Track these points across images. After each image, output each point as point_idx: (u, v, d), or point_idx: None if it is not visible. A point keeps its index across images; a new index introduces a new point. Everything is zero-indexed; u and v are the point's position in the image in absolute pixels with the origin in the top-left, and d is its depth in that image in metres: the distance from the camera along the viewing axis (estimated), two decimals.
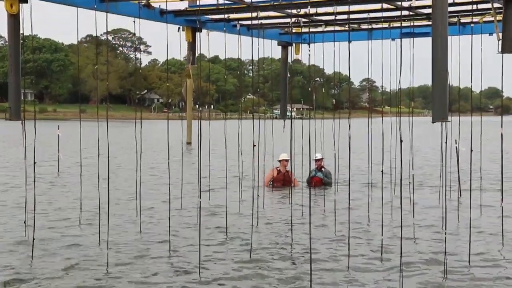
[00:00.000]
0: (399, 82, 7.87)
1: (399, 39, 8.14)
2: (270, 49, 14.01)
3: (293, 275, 9.12)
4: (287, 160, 17.83)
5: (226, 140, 11.44)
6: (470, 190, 10.00)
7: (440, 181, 13.51)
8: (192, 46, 11.36)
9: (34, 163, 9.02)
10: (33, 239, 10.06)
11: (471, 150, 8.65)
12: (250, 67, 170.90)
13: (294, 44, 16.14)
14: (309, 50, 7.82)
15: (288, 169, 17.99)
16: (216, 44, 10.67)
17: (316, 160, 17.82)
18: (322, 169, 17.99)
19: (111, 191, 10.57)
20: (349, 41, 8.45)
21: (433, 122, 7.87)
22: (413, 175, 9.08)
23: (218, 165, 21.30)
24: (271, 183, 18.16)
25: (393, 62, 9.22)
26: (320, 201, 15.22)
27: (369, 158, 13.35)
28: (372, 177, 15.23)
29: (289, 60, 16.55)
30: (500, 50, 10.01)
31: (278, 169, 18.14)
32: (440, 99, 7.75)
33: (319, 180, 17.74)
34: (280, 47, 16.61)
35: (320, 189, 16.82)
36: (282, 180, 18.03)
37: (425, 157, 30.87)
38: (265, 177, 17.65)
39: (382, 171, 10.50)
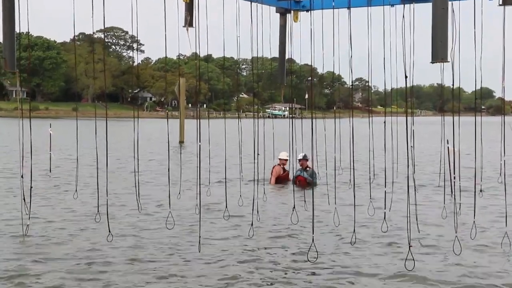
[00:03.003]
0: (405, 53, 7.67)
1: (401, 6, 7.99)
2: (269, 17, 13.66)
3: (294, 254, 9.58)
4: (286, 160, 18.29)
5: (225, 137, 11.62)
6: (475, 185, 10.14)
7: (439, 180, 13.98)
8: (189, 7, 11.18)
9: (31, 165, 9.14)
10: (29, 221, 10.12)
11: (475, 151, 8.77)
12: (244, 66, 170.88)
13: (292, 12, 15.87)
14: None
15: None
16: (212, 15, 10.55)
17: (299, 160, 17.99)
18: (307, 168, 18.03)
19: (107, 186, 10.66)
20: (349, 7, 8.39)
21: (432, 63, 7.72)
22: (413, 174, 9.14)
23: (216, 163, 21.36)
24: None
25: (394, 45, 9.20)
26: (321, 196, 15.43)
27: (369, 155, 13.53)
28: (374, 174, 15.51)
29: (288, 30, 16.17)
30: (501, 2, 9.95)
31: (282, 167, 18.56)
32: (440, 38, 7.58)
33: (304, 180, 17.74)
34: (278, 14, 16.35)
35: (308, 189, 16.90)
36: (286, 178, 18.67)
37: (422, 156, 31.00)
38: (272, 174, 18.36)
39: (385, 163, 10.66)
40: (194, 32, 8.66)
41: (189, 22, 10.71)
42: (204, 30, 8.60)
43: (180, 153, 29.77)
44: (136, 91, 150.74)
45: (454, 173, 10.80)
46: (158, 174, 21.56)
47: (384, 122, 10.11)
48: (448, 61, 7.62)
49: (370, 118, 10.62)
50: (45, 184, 18.65)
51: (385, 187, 9.23)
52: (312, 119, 8.33)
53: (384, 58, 9.08)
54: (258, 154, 10.37)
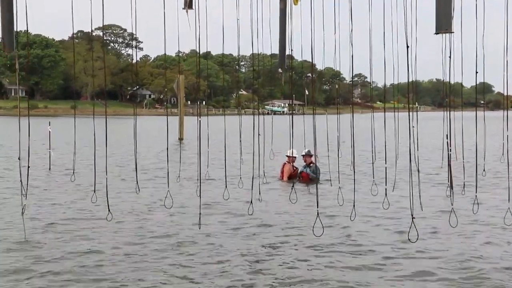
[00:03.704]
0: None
1: None
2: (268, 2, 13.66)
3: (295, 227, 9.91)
4: (295, 157, 18.33)
5: (225, 133, 11.77)
6: (476, 162, 10.27)
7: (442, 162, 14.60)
8: None
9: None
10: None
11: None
12: (243, 63, 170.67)
13: None
14: None
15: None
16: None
17: (302, 156, 18.01)
18: (311, 164, 18.04)
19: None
20: None
21: (436, 33, 7.64)
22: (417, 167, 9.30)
23: (215, 160, 21.50)
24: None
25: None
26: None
27: (371, 134, 13.77)
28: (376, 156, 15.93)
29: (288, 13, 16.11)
30: None
31: (291, 164, 18.54)
32: (444, 8, 7.52)
33: (306, 176, 17.79)
34: None
35: (311, 185, 17.08)
36: (295, 176, 18.71)
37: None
38: (284, 172, 18.43)
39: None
40: (194, 22, 8.62)
41: (188, 4, 10.66)
42: (203, 26, 8.57)
43: (180, 146, 29.75)
44: (135, 88, 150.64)
45: (450, 145, 10.90)
46: (157, 169, 21.60)
47: (384, 99, 10.16)
48: (452, 32, 7.58)
49: (372, 115, 10.71)
50: (44, 182, 18.66)
51: (386, 163, 9.34)
52: (313, 114, 8.46)
53: (384, 33, 8.98)
54: (259, 134, 10.51)
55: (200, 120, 8.39)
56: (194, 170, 13.76)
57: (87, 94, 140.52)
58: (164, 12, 8.67)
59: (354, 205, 8.64)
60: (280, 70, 11.98)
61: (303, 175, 17.91)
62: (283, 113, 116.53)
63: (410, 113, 7.58)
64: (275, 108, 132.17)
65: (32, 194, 13.64)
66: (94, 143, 9.10)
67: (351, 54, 8.59)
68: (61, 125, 56.06)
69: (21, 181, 9.49)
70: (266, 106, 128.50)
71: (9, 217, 11.98)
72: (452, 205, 8.33)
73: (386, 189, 9.40)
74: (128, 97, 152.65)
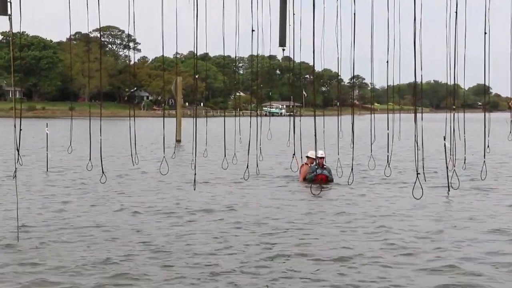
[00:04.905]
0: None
1: None
2: None
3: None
4: (314, 159, 18.05)
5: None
6: (484, 135, 10.46)
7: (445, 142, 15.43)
8: None
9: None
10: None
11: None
12: (241, 64, 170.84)
13: None
14: None
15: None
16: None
17: (319, 158, 17.79)
18: (325, 166, 17.89)
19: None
20: None
21: None
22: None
23: (212, 162, 21.52)
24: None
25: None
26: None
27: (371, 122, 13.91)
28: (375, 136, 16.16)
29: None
30: None
31: (310, 166, 18.33)
32: None
33: (325, 178, 17.55)
34: None
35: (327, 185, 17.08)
36: None
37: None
38: (301, 173, 18.19)
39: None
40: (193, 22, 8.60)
41: None
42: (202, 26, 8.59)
43: (175, 147, 29.72)
44: (132, 90, 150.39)
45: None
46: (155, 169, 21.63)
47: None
48: None
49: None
50: (41, 180, 18.65)
51: (387, 129, 9.37)
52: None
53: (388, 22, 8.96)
54: (256, 111, 10.63)
55: (196, 121, 8.46)
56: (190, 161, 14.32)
57: (84, 95, 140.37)
58: (162, 14, 8.68)
59: (352, 169, 8.71)
60: (281, 47, 11.97)
61: (323, 177, 17.53)
62: (281, 114, 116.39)
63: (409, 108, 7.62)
64: (273, 110, 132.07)
65: (30, 194, 13.68)
66: (89, 127, 9.20)
67: (352, 42, 8.58)
68: (59, 126, 56.04)
69: (16, 149, 9.65)
70: (264, 108, 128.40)
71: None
72: (454, 166, 8.37)
73: (388, 156, 9.47)
74: (126, 98, 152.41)
